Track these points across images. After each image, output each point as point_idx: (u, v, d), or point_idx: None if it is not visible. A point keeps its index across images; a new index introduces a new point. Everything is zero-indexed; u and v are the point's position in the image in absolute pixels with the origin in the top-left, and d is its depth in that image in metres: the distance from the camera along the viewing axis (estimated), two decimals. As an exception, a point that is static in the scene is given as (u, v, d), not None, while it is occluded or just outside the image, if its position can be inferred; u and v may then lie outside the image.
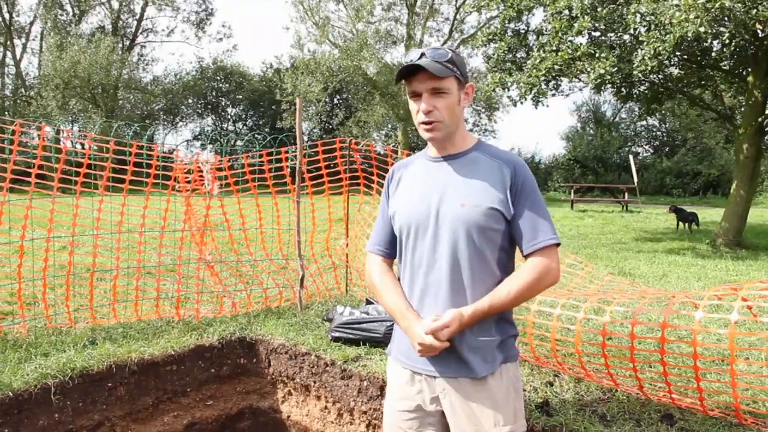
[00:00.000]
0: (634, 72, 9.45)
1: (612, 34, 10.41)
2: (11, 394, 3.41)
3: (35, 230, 4.66)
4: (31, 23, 37.25)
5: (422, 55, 2.04)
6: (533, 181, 2.17)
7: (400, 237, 2.26)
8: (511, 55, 12.09)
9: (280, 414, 4.57)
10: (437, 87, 2.05)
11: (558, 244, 2.12)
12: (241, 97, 41.82)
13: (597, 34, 10.50)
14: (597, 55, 9.91)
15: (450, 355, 2.13)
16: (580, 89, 14.97)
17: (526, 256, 2.15)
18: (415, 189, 2.23)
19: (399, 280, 2.31)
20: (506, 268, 2.19)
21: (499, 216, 2.09)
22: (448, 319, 2.03)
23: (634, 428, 2.96)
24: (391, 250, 2.36)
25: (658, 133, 39.41)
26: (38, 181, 4.41)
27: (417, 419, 2.26)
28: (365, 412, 3.89)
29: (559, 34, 10.35)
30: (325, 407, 4.21)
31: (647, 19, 9.38)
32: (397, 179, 2.34)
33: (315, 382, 4.21)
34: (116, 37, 35.25)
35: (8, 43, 35.69)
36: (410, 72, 2.06)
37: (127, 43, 38.15)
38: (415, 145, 30.44)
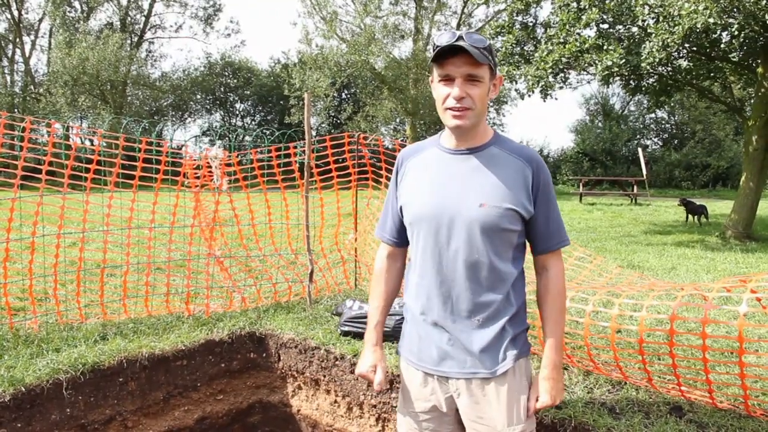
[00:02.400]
0: (643, 64, 9.42)
1: (620, 26, 10.37)
2: (23, 389, 3.44)
3: (46, 227, 4.69)
4: (40, 20, 37.45)
5: (459, 38, 1.91)
6: (551, 180, 2.14)
7: (411, 230, 2.19)
8: (518, 48, 12.06)
9: (290, 408, 4.59)
10: (473, 74, 1.94)
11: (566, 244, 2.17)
12: (249, 92, 41.86)
13: (605, 26, 10.46)
14: (605, 47, 9.88)
15: (464, 355, 2.10)
16: (588, 82, 14.93)
17: (538, 253, 2.16)
18: (429, 182, 2.13)
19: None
20: (520, 265, 2.17)
21: (517, 216, 2.04)
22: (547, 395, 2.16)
23: (643, 421, 2.96)
24: (400, 239, 2.32)
25: (667, 125, 39.23)
26: (48, 177, 4.43)
27: (434, 419, 2.23)
28: (375, 406, 3.90)
29: (567, 27, 10.32)
30: (335, 401, 4.23)
31: (656, 10, 9.34)
32: (406, 167, 2.25)
33: (325, 376, 4.23)
34: (124, 33, 35.34)
35: (17, 40, 35.85)
36: (445, 54, 1.94)
37: (136, 39, 38.24)
38: (423, 139, 30.33)
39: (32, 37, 37.72)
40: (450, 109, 1.98)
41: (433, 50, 1.98)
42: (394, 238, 2.33)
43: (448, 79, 1.98)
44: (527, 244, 2.21)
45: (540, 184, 2.07)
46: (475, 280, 2.06)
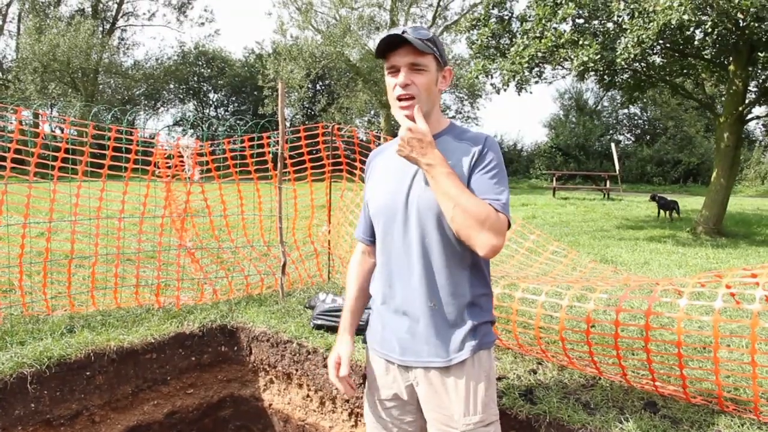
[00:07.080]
0: (617, 60, 9.46)
1: (596, 22, 10.39)
2: (-14, 383, 3.35)
3: (12, 216, 4.57)
4: (8, 4, 36.65)
5: (403, 32, 1.99)
6: (496, 153, 2.07)
7: (374, 223, 2.26)
8: (494, 42, 12.04)
9: (261, 402, 4.53)
10: (417, 62, 2.00)
11: (501, 212, 1.95)
12: (223, 82, 41.56)
13: (581, 21, 10.48)
14: (580, 42, 9.90)
15: (421, 344, 2.12)
16: (563, 77, 14.97)
17: None
18: (387, 175, 2.21)
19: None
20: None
21: None
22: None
23: (618, 416, 2.96)
24: (373, 237, 2.35)
25: (640, 121, 39.73)
26: (15, 165, 4.32)
27: (396, 407, 2.28)
28: (347, 401, 3.86)
29: (543, 21, 10.32)
30: (307, 395, 4.19)
31: (631, 6, 9.39)
32: (372, 167, 2.34)
33: (297, 370, 4.18)
34: (96, 20, 34.81)
35: (-16, 25, 35.14)
36: (391, 46, 2.02)
37: (108, 26, 37.68)
38: (398, 132, 30.34)
39: (0, 22, 36.95)
40: (398, 98, 2.04)
41: (375, 48, 2.07)
42: (368, 236, 2.39)
43: (394, 70, 2.05)
44: None
45: (481, 155, 2.05)
46: (429, 266, 2.09)
